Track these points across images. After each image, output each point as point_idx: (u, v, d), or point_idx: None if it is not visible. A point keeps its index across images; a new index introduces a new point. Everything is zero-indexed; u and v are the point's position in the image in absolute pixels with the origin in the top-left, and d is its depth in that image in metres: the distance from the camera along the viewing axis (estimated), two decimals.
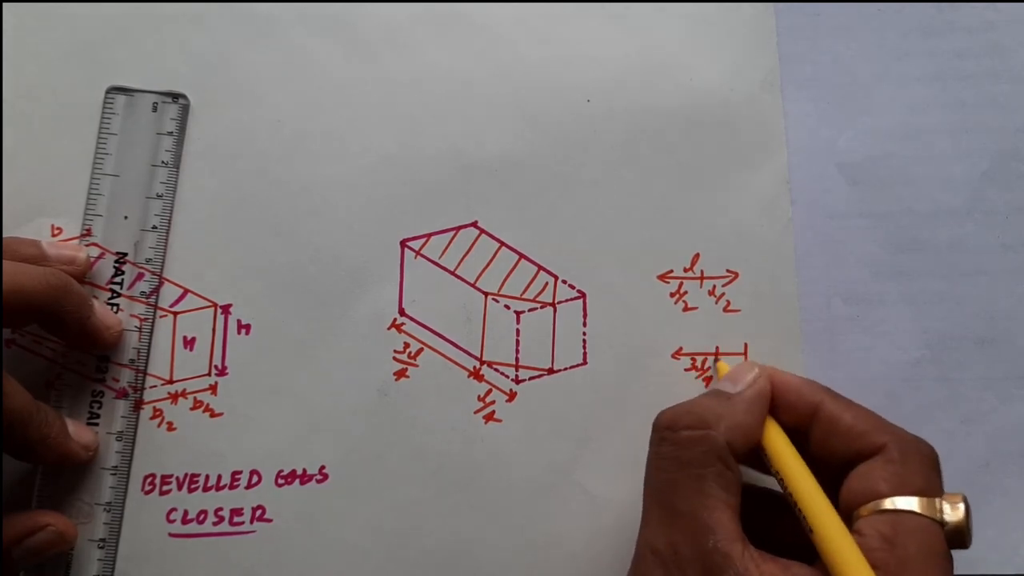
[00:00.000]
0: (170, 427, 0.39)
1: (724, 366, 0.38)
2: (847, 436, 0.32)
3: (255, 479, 0.39)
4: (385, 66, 0.41)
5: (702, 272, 0.40)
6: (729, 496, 0.32)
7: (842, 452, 0.32)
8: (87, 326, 0.36)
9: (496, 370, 0.40)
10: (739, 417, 0.33)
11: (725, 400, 0.34)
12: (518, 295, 0.40)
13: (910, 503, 0.30)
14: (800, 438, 0.34)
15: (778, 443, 0.33)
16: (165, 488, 0.38)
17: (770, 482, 0.34)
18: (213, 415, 0.39)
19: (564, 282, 0.40)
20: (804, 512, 0.31)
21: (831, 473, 0.33)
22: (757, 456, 0.34)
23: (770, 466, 0.33)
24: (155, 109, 0.40)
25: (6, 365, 0.37)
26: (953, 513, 0.30)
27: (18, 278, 0.34)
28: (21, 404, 0.34)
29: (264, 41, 0.41)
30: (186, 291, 0.40)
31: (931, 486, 0.31)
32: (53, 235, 0.39)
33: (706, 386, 0.40)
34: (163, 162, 0.40)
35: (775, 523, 0.34)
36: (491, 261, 0.40)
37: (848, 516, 0.31)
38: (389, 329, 0.40)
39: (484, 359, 0.40)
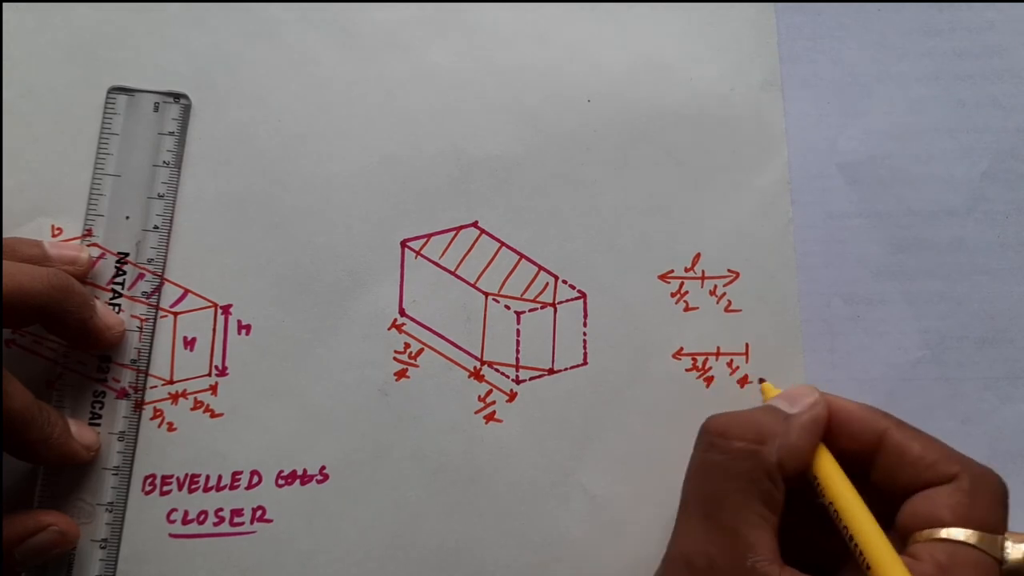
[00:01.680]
0: (171, 427, 0.39)
1: (770, 387, 0.37)
2: (916, 466, 0.31)
3: (255, 479, 0.39)
4: (385, 66, 0.41)
5: (703, 272, 0.40)
6: (772, 515, 0.31)
7: (909, 482, 0.32)
8: (88, 326, 0.36)
9: (496, 370, 0.40)
10: (793, 438, 0.32)
11: (781, 419, 0.33)
12: (518, 295, 0.40)
13: (971, 536, 0.29)
14: (859, 466, 0.33)
15: (832, 472, 0.32)
16: (165, 488, 0.39)
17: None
18: (213, 415, 0.39)
19: (564, 282, 0.40)
20: (861, 546, 0.30)
21: (888, 501, 0.32)
22: (801, 482, 0.33)
23: (821, 494, 0.32)
24: (156, 109, 0.40)
25: (7, 365, 0.37)
26: (1014, 551, 0.29)
27: (19, 278, 0.34)
28: (23, 404, 0.34)
29: (265, 41, 0.41)
30: (187, 291, 0.40)
31: (996, 522, 0.30)
32: (54, 235, 0.39)
33: (707, 386, 0.40)
34: (164, 162, 0.40)
35: (803, 531, 0.33)
36: (491, 261, 0.40)
37: (903, 539, 0.31)
38: (389, 329, 0.40)
39: (484, 359, 0.40)
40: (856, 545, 0.30)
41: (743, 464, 0.31)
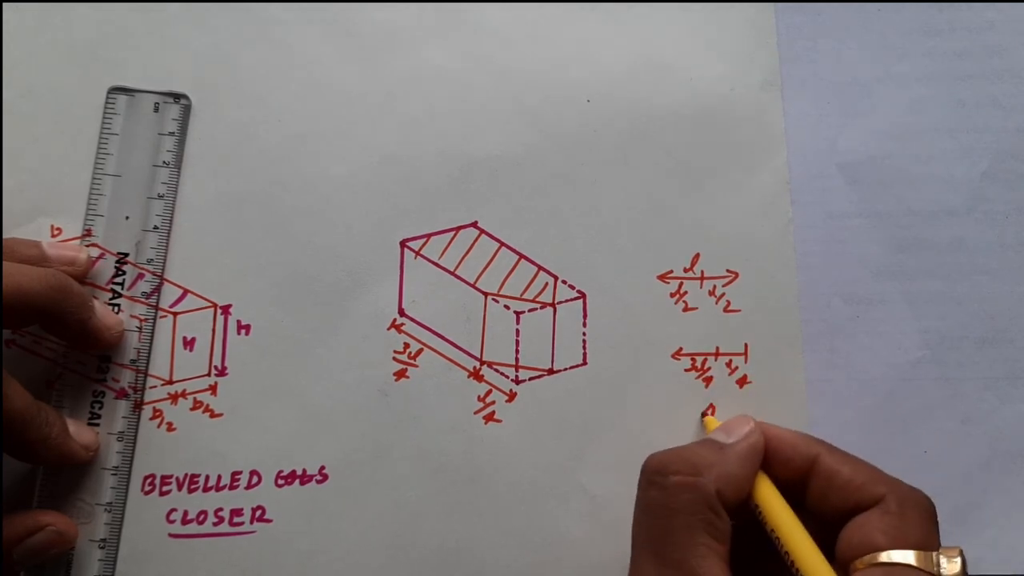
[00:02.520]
0: (170, 427, 0.39)
1: (712, 421, 0.38)
2: (845, 489, 0.32)
3: (255, 479, 0.39)
4: (385, 66, 0.41)
5: (702, 272, 0.40)
6: (719, 545, 0.32)
7: (840, 505, 0.32)
8: (88, 327, 0.36)
9: (496, 370, 0.40)
10: (730, 467, 0.33)
11: (717, 449, 0.34)
12: (518, 295, 0.40)
13: (907, 556, 0.30)
14: (795, 492, 0.34)
15: (771, 498, 0.33)
16: (165, 488, 0.39)
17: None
18: (213, 415, 0.39)
19: (564, 282, 0.40)
20: (800, 569, 0.31)
21: (827, 526, 0.32)
22: (746, 511, 0.34)
23: (763, 522, 0.33)
24: (156, 109, 0.40)
25: (7, 365, 0.37)
26: (949, 567, 0.30)
27: (18, 279, 0.34)
28: (22, 405, 0.34)
29: (265, 41, 0.41)
30: (186, 291, 0.40)
31: (928, 539, 0.31)
32: (53, 235, 0.39)
33: (706, 386, 0.40)
34: (164, 162, 0.40)
35: (758, 563, 0.33)
36: (491, 261, 0.40)
37: (844, 568, 0.31)
38: (389, 329, 0.40)
39: (484, 359, 0.40)
40: (797, 570, 0.31)
41: (683, 497, 0.32)
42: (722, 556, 0.31)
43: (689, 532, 0.31)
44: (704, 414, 0.39)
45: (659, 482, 0.33)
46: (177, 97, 0.40)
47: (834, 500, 0.32)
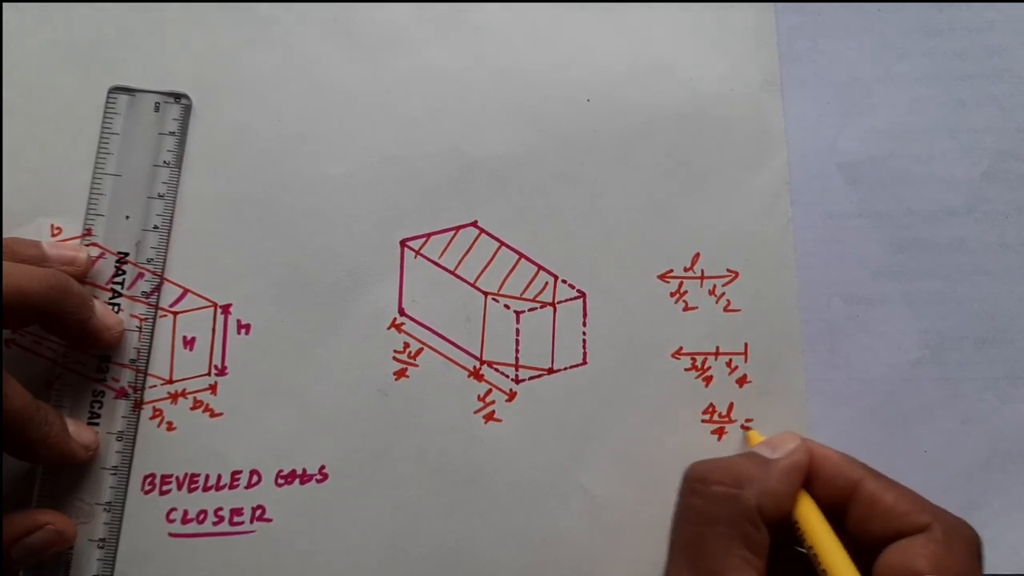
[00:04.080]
0: (170, 427, 0.39)
1: (755, 435, 0.38)
2: (888, 516, 0.32)
3: (255, 479, 0.39)
4: (385, 66, 0.41)
5: (702, 272, 0.40)
6: (755, 559, 0.31)
7: (881, 531, 0.32)
8: (88, 326, 0.36)
9: (496, 370, 0.40)
10: (773, 483, 0.33)
11: (761, 464, 0.33)
12: (518, 295, 0.40)
13: None
14: (834, 513, 0.33)
15: (812, 517, 0.33)
16: (165, 488, 0.39)
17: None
18: (213, 415, 0.39)
19: (564, 282, 0.40)
20: None
21: (864, 549, 0.32)
22: (786, 528, 0.33)
23: (802, 539, 0.33)
24: (157, 109, 0.40)
25: (6, 365, 0.37)
26: None
27: (18, 279, 0.34)
28: (21, 404, 0.34)
29: (265, 41, 0.41)
30: (186, 291, 0.40)
31: (971, 571, 0.30)
32: (53, 235, 0.39)
33: (706, 386, 0.40)
34: (165, 162, 0.40)
35: None
36: (491, 261, 0.40)
37: None
38: (389, 329, 0.40)
39: (484, 359, 0.40)
40: None
41: (723, 508, 0.32)
42: (758, 569, 0.31)
43: (726, 542, 0.31)
44: (745, 427, 0.39)
45: (701, 490, 0.33)
46: (177, 97, 0.40)
47: (876, 526, 0.32)
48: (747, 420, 0.39)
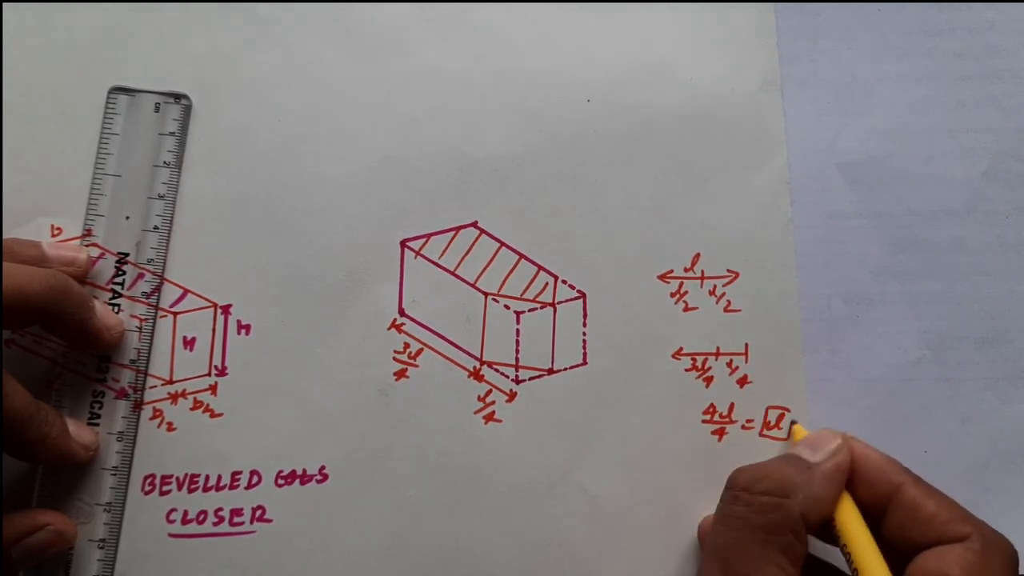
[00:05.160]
0: (170, 427, 0.39)
1: (800, 429, 0.38)
2: (928, 523, 0.32)
3: (255, 479, 0.39)
4: (385, 66, 0.41)
5: (702, 272, 0.40)
6: (792, 568, 0.31)
7: (919, 538, 0.32)
8: (88, 327, 0.36)
9: (496, 370, 0.40)
10: (817, 489, 0.32)
11: (805, 469, 0.33)
12: (518, 295, 0.40)
13: None
14: (872, 514, 0.33)
15: (851, 519, 0.33)
16: (165, 488, 0.39)
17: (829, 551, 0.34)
18: (213, 415, 0.39)
19: (564, 282, 0.40)
20: None
21: (898, 552, 0.32)
22: (824, 526, 0.33)
23: (838, 538, 0.33)
24: (157, 109, 0.40)
25: (6, 365, 0.37)
26: None
27: (18, 280, 0.34)
28: (21, 405, 0.34)
29: (265, 41, 0.41)
30: (186, 291, 0.40)
31: None
32: (53, 235, 0.39)
33: (706, 386, 0.40)
34: (165, 162, 0.40)
35: None
36: (491, 261, 0.40)
37: None
38: (389, 329, 0.40)
39: (484, 359, 0.40)
40: None
41: (766, 517, 0.32)
42: None
43: (765, 549, 0.31)
44: (794, 422, 0.39)
45: (745, 499, 0.33)
46: (177, 97, 0.40)
47: (914, 532, 0.32)
48: (747, 420, 0.39)
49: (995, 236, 0.41)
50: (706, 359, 0.40)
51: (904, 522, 0.32)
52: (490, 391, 0.40)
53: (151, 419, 0.39)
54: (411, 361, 0.40)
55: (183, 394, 0.39)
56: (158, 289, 0.39)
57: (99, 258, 0.39)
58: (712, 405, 0.39)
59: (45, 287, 0.34)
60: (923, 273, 0.41)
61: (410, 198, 0.41)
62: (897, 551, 0.32)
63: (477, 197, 0.41)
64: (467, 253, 0.40)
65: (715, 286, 0.40)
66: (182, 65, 0.41)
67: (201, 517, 0.38)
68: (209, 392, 0.39)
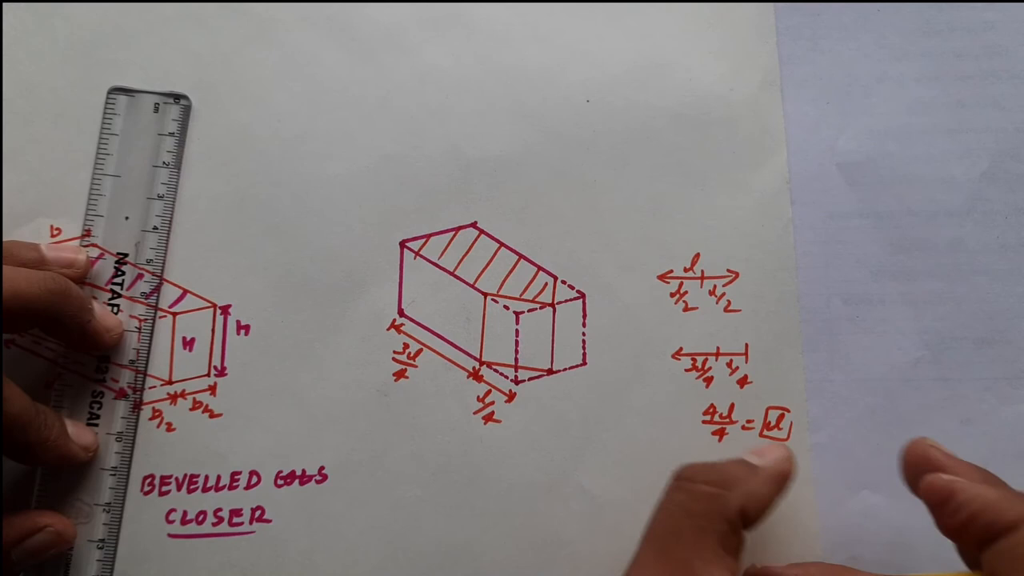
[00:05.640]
0: (169, 428, 0.39)
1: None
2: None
3: (254, 479, 0.39)
4: (385, 66, 0.41)
5: (702, 272, 0.40)
6: (728, 558, 0.32)
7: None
8: (87, 329, 0.36)
9: (495, 370, 0.40)
10: (757, 487, 0.34)
11: (748, 469, 0.34)
12: (517, 295, 0.40)
13: None
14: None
15: None
16: (164, 489, 0.38)
17: None
18: (212, 415, 0.39)
19: (564, 282, 0.40)
20: None
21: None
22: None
23: None
24: (156, 110, 0.40)
25: (6, 366, 0.37)
26: None
27: (17, 283, 0.33)
28: (20, 408, 0.33)
29: (265, 41, 0.41)
30: (185, 291, 0.40)
31: None
32: (52, 236, 0.39)
33: (706, 386, 0.40)
34: (164, 163, 0.40)
35: None
36: (490, 261, 0.40)
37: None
38: (389, 329, 0.40)
39: (483, 359, 0.40)
40: None
41: (705, 505, 0.33)
42: (729, 569, 0.32)
43: (701, 535, 0.32)
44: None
45: (686, 488, 0.34)
46: (177, 97, 0.40)
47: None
48: (748, 421, 0.39)
49: (995, 236, 0.41)
50: (706, 359, 0.40)
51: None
52: (489, 391, 0.40)
53: (150, 419, 0.39)
54: (410, 361, 0.40)
55: (182, 394, 0.39)
56: (157, 289, 0.39)
57: (98, 258, 0.39)
58: (712, 405, 0.39)
59: (44, 291, 0.34)
60: (923, 273, 0.41)
61: (410, 198, 0.41)
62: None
63: (477, 197, 0.41)
64: (467, 253, 0.40)
65: (715, 286, 0.40)
66: (182, 65, 0.41)
67: (200, 517, 0.38)
68: (208, 392, 0.39)
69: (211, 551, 0.38)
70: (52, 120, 0.40)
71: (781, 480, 0.34)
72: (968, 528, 0.31)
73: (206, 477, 0.39)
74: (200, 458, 0.39)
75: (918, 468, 0.33)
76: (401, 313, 0.40)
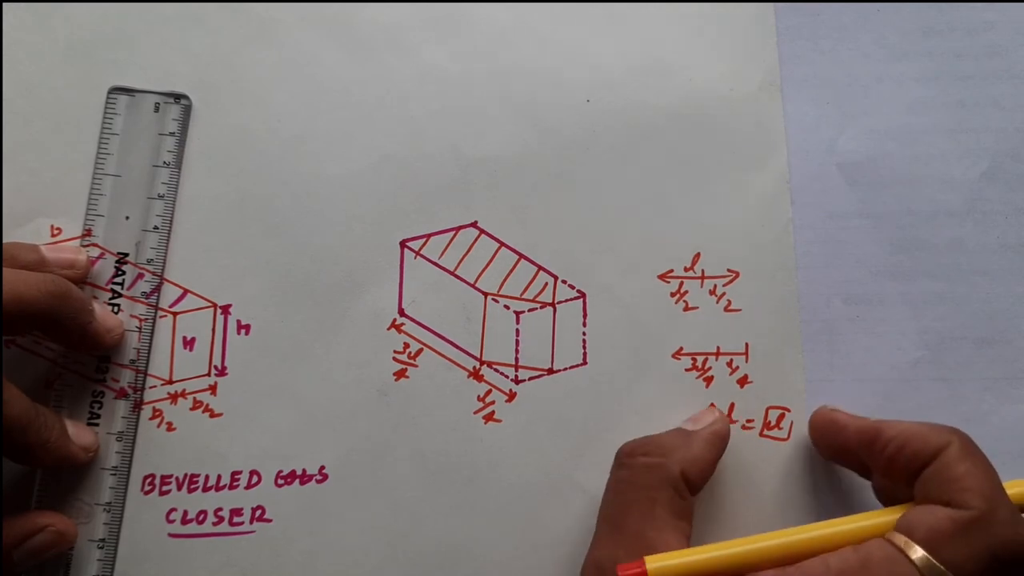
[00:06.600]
0: (170, 427, 0.39)
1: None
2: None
3: (255, 479, 0.39)
4: (385, 66, 0.41)
5: (702, 272, 0.40)
6: (678, 521, 0.33)
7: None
8: (87, 331, 0.36)
9: (496, 370, 0.40)
10: (695, 450, 0.35)
11: (684, 435, 0.36)
12: (518, 295, 0.40)
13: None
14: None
15: None
16: (165, 488, 0.38)
17: None
18: (213, 415, 0.39)
19: (564, 282, 0.40)
20: None
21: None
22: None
23: None
24: (157, 110, 0.40)
25: (6, 366, 0.37)
26: None
27: (17, 286, 0.33)
28: (20, 410, 0.33)
29: (265, 41, 0.41)
30: (186, 291, 0.40)
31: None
32: (53, 235, 0.39)
33: (706, 386, 0.40)
34: (165, 162, 0.40)
35: None
36: (491, 261, 0.40)
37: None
38: (389, 329, 0.40)
39: (484, 359, 0.40)
40: None
41: (648, 476, 0.34)
42: (681, 531, 0.33)
43: (649, 505, 0.33)
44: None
45: (628, 463, 0.35)
46: (177, 97, 0.40)
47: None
48: (748, 420, 0.39)
49: (994, 237, 0.41)
50: (706, 359, 0.40)
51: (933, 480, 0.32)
52: (490, 391, 0.40)
53: (151, 419, 0.39)
54: (411, 361, 0.40)
55: (183, 394, 0.39)
56: (158, 289, 0.39)
57: (99, 258, 0.39)
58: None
59: (44, 293, 0.34)
60: (922, 273, 0.41)
61: (410, 198, 0.41)
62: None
63: (477, 197, 0.41)
64: (467, 253, 0.40)
65: (715, 286, 0.40)
66: (182, 65, 0.41)
67: (201, 517, 0.38)
68: (209, 392, 0.39)
69: (211, 551, 0.38)
70: (52, 120, 0.40)
71: (717, 441, 0.36)
72: (897, 459, 0.33)
73: (206, 477, 0.39)
74: (200, 458, 0.39)
75: (827, 431, 0.37)
76: (401, 313, 0.40)
